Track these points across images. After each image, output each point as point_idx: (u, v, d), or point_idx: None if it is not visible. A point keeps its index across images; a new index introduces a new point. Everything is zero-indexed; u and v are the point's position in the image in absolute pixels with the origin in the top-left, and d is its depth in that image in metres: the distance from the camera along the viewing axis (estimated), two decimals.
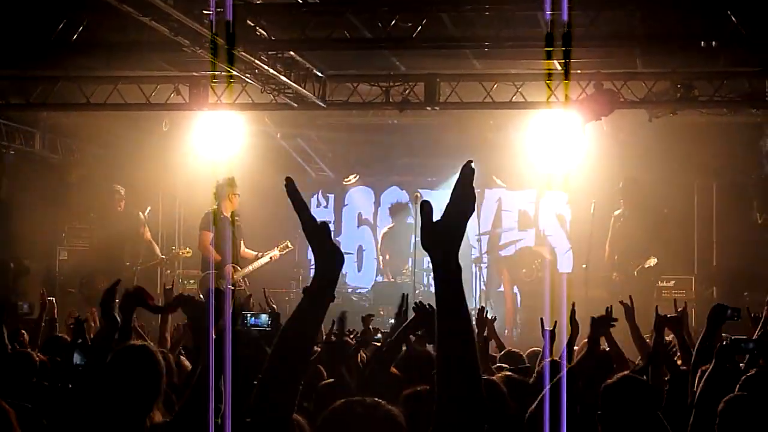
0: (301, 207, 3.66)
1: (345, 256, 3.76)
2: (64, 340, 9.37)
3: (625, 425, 5.87)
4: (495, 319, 9.89)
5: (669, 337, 8.70)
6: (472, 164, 3.41)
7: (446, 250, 3.40)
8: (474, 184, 3.43)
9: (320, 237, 3.66)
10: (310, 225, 3.66)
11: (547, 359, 7.12)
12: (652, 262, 17.19)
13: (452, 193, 3.39)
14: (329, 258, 3.69)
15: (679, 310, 9.27)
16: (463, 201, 3.39)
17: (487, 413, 3.50)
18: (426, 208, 3.40)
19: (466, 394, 3.43)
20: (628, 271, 17.25)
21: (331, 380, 7.22)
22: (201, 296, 14.89)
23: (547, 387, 5.95)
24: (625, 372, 6.53)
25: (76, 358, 6.86)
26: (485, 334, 9.30)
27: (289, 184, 3.67)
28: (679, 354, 8.21)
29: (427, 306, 7.81)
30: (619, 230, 17.54)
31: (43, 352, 8.59)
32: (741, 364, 7.49)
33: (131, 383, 5.48)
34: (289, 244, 17.47)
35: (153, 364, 5.55)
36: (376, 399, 3.72)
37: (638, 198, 17.57)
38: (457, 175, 3.40)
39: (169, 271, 19.65)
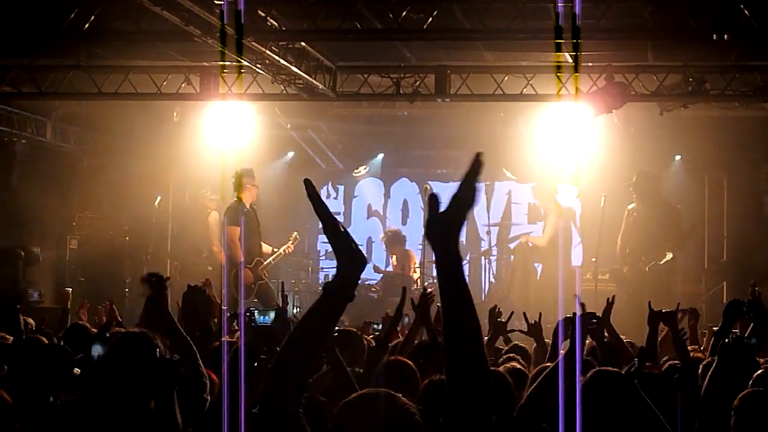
0: (321, 209, 3.65)
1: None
2: (85, 328, 9.37)
3: (608, 419, 5.87)
4: (511, 314, 9.88)
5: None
6: (481, 157, 3.42)
7: (448, 240, 3.42)
8: (483, 177, 3.44)
9: (343, 240, 3.67)
10: (332, 228, 3.66)
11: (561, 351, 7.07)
12: (668, 257, 17.14)
13: (460, 184, 3.40)
14: (351, 260, 3.70)
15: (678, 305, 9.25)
16: (470, 193, 3.40)
17: (495, 404, 3.50)
18: (433, 201, 3.41)
19: (474, 383, 3.43)
20: (640, 265, 17.20)
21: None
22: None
23: (561, 379, 5.93)
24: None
25: (96, 350, 6.85)
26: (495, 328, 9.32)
27: (309, 186, 3.66)
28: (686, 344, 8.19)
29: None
30: (632, 224, 17.48)
31: (65, 340, 8.56)
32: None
33: (131, 371, 5.44)
34: (297, 236, 17.52)
35: (151, 352, 5.50)
36: (392, 392, 3.71)
37: (652, 192, 17.51)
38: (466, 167, 3.41)
39: (176, 262, 19.71)
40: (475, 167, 3.41)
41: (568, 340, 6.57)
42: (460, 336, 3.46)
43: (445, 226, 3.43)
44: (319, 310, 3.73)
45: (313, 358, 3.85)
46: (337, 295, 3.70)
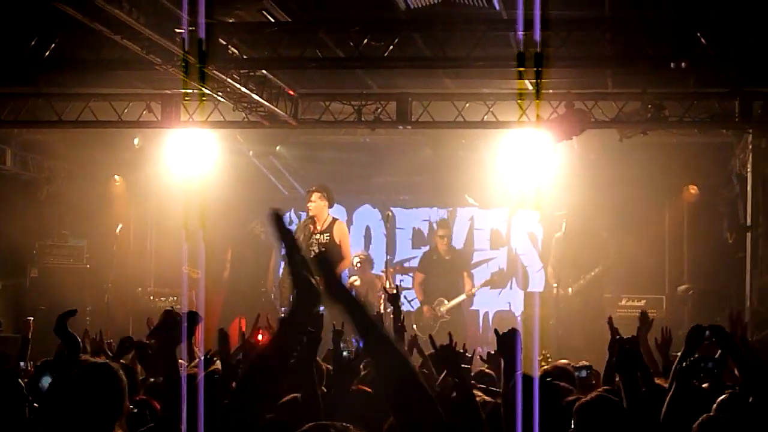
0: (287, 239, 3.67)
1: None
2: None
3: None
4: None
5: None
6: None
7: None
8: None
9: (303, 273, 3.69)
10: (295, 261, 3.68)
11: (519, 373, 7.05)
12: (596, 270, 17.36)
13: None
14: (306, 294, 3.72)
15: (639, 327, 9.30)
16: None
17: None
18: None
19: (419, 414, 3.46)
20: (571, 283, 17.44)
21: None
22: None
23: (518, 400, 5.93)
24: (600, 391, 6.53)
25: (45, 381, 6.78)
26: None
27: (275, 216, 3.67)
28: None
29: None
30: (560, 252, 17.79)
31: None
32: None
33: (93, 402, 5.39)
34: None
35: (115, 383, 5.45)
36: (346, 424, 3.72)
37: (579, 222, 17.79)
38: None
39: (140, 289, 19.61)
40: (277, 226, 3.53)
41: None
42: (392, 376, 3.51)
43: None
44: (276, 341, 3.75)
45: (273, 389, 3.86)
46: (293, 328, 3.73)
